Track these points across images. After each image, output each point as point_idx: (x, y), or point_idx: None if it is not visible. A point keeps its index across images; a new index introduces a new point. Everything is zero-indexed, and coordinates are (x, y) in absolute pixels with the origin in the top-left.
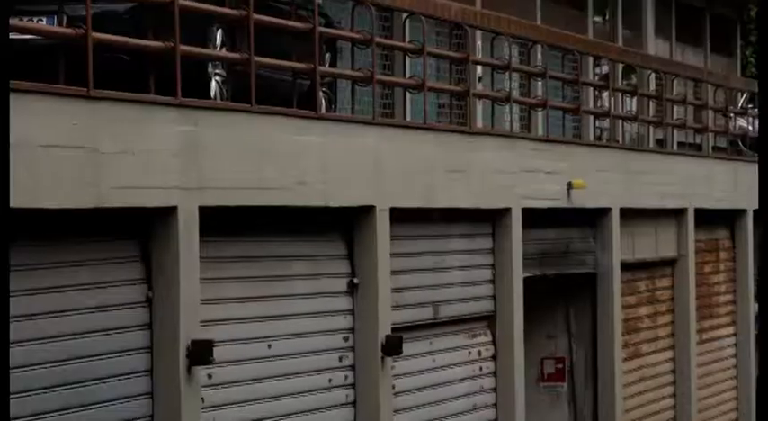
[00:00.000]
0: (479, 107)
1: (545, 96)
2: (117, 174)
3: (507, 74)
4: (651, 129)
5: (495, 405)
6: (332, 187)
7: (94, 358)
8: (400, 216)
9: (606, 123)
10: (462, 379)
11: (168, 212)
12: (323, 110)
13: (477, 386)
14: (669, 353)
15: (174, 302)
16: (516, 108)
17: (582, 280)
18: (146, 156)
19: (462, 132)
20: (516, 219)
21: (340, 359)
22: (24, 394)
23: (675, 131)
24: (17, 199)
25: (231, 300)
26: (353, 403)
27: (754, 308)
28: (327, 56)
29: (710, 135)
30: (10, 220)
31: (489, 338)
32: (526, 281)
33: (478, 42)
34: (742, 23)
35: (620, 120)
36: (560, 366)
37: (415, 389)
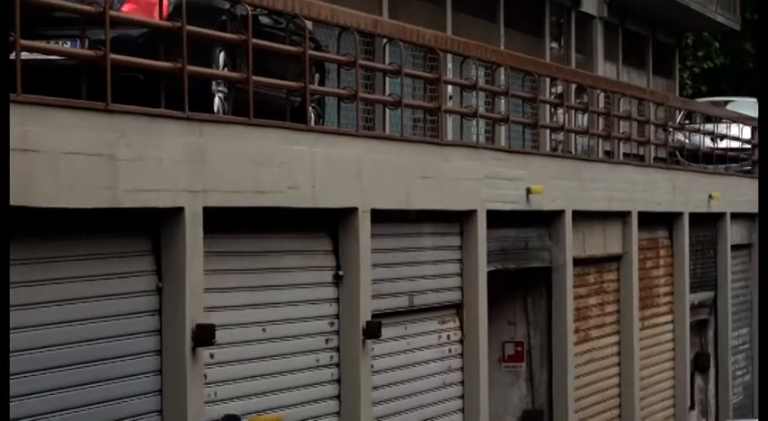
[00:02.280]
0: (449, 122)
1: (507, 112)
2: (131, 178)
3: (474, 92)
4: (600, 141)
5: (461, 382)
6: (320, 191)
7: (110, 339)
8: (380, 216)
9: (561, 136)
10: (433, 359)
11: (176, 212)
12: (312, 123)
13: (446, 366)
14: (615, 338)
15: (180, 291)
16: (482, 122)
17: (539, 273)
18: (156, 163)
19: (434, 143)
20: (481, 220)
21: (326, 341)
22: (48, 370)
23: (621, 144)
24: (42, 199)
25: (231, 289)
26: (338, 380)
27: (689, 298)
28: (316, 76)
29: (652, 147)
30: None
31: (457, 324)
32: (490, 274)
33: (449, 65)
34: (680, 49)
35: (573, 134)
36: (519, 349)
37: (392, 369)
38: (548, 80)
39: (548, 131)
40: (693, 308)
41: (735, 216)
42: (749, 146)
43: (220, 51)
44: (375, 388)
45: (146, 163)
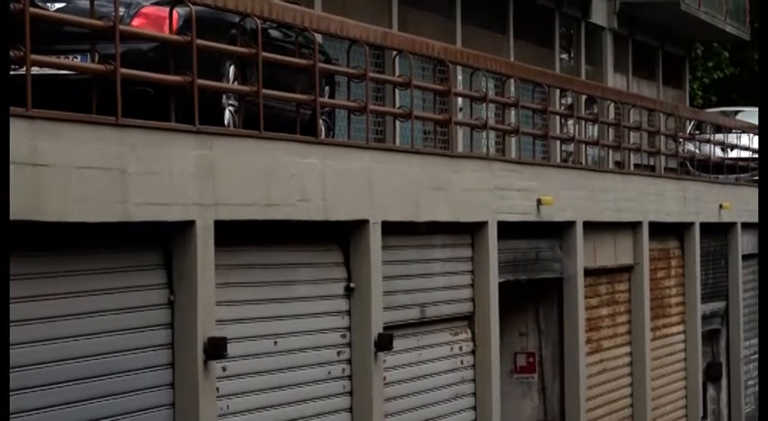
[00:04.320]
0: (460, 133)
1: (517, 124)
2: (142, 191)
3: (484, 104)
4: (610, 152)
5: (474, 394)
6: (330, 203)
7: (122, 353)
8: (391, 228)
9: (571, 147)
10: (445, 371)
11: (187, 225)
12: (322, 136)
13: (459, 377)
14: (627, 348)
15: (192, 304)
16: (492, 134)
17: (550, 284)
18: (167, 177)
19: (445, 155)
20: (492, 231)
21: (338, 354)
22: (60, 385)
23: (632, 154)
24: (53, 214)
25: (242, 302)
26: (350, 393)
27: (701, 308)
28: (326, 88)
29: (662, 157)
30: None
31: (469, 335)
32: (501, 285)
33: (459, 77)
34: (690, 60)
35: (584, 145)
36: (531, 360)
37: (404, 381)
38: (558, 91)
39: (558, 142)
40: (705, 318)
41: (745, 226)
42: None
43: (230, 65)
44: (387, 400)
45: (156, 176)
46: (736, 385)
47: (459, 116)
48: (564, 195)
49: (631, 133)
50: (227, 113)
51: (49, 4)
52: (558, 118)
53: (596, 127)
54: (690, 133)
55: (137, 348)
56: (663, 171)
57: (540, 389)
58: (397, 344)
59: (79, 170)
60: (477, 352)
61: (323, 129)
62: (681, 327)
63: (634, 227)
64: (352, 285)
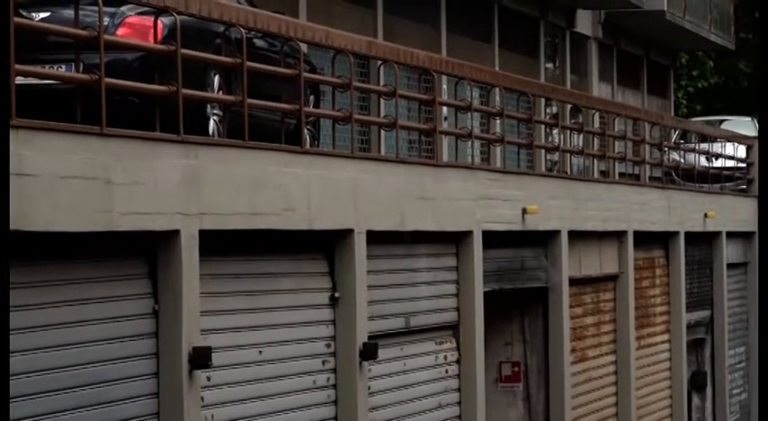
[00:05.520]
0: (445, 142)
1: (502, 133)
2: (126, 201)
3: (469, 113)
4: (595, 161)
5: (458, 403)
6: (315, 213)
7: (108, 362)
8: (375, 238)
9: (556, 156)
10: (430, 380)
11: (172, 235)
12: (307, 145)
13: (443, 387)
14: (611, 358)
15: (177, 314)
16: (477, 143)
17: (535, 293)
18: (152, 186)
19: (430, 165)
20: (477, 241)
21: (323, 363)
22: (46, 394)
23: (617, 163)
24: (38, 223)
25: (227, 312)
26: (335, 402)
27: (686, 317)
28: (311, 98)
29: (647, 167)
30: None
31: (454, 345)
32: (486, 294)
33: (444, 86)
34: (675, 69)
35: (569, 154)
36: (516, 369)
37: (389, 390)
38: (543, 100)
39: (543, 152)
40: (690, 327)
41: (730, 235)
42: (744, 165)
43: (215, 74)
44: (372, 409)
45: (141, 186)
46: (721, 394)
47: (445, 125)
48: (549, 204)
49: (616, 142)
50: (211, 123)
51: (33, 14)
52: (543, 127)
53: (581, 136)
54: (675, 142)
55: (121, 357)
56: (648, 180)
57: (525, 399)
58: (382, 353)
59: (64, 180)
60: (461, 361)
61: (308, 138)
62: (666, 336)
63: (619, 236)
64: (337, 294)
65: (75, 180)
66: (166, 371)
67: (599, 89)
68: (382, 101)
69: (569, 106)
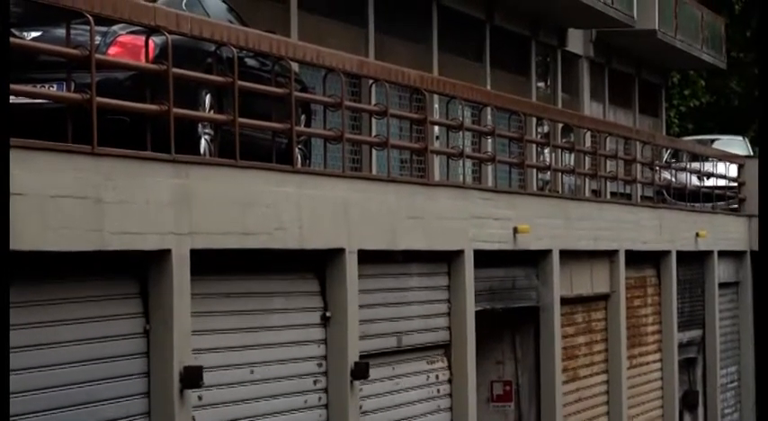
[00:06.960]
0: (436, 162)
1: (494, 152)
2: (117, 220)
3: (461, 133)
4: (587, 180)
5: None
6: (306, 232)
7: (98, 382)
8: (367, 257)
9: (547, 175)
10: (422, 400)
11: (163, 254)
12: (299, 164)
13: (435, 406)
14: (603, 377)
15: (168, 333)
16: (469, 162)
17: (526, 313)
18: (143, 205)
19: (421, 184)
20: (468, 260)
21: (314, 382)
22: (36, 414)
23: (608, 183)
24: (29, 243)
25: (219, 331)
26: None
27: (677, 337)
28: (303, 117)
29: (639, 186)
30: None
31: (445, 364)
32: (478, 314)
33: (435, 105)
34: (666, 88)
35: (560, 173)
36: (508, 388)
37: (380, 409)
38: (534, 120)
39: (534, 171)
40: (681, 346)
41: (722, 254)
42: (736, 184)
43: (206, 93)
44: None
45: (132, 205)
46: (713, 414)
47: (436, 144)
48: (540, 224)
49: (608, 161)
50: (203, 142)
51: (25, 33)
52: (534, 146)
53: (573, 155)
54: (666, 161)
55: (112, 377)
56: (639, 199)
57: (516, 418)
58: (374, 372)
59: (55, 199)
60: (453, 380)
61: (299, 157)
62: (657, 356)
63: (610, 255)
64: (328, 314)
65: (66, 199)
66: (158, 391)
67: (590, 108)
68: (374, 120)
69: (561, 125)
